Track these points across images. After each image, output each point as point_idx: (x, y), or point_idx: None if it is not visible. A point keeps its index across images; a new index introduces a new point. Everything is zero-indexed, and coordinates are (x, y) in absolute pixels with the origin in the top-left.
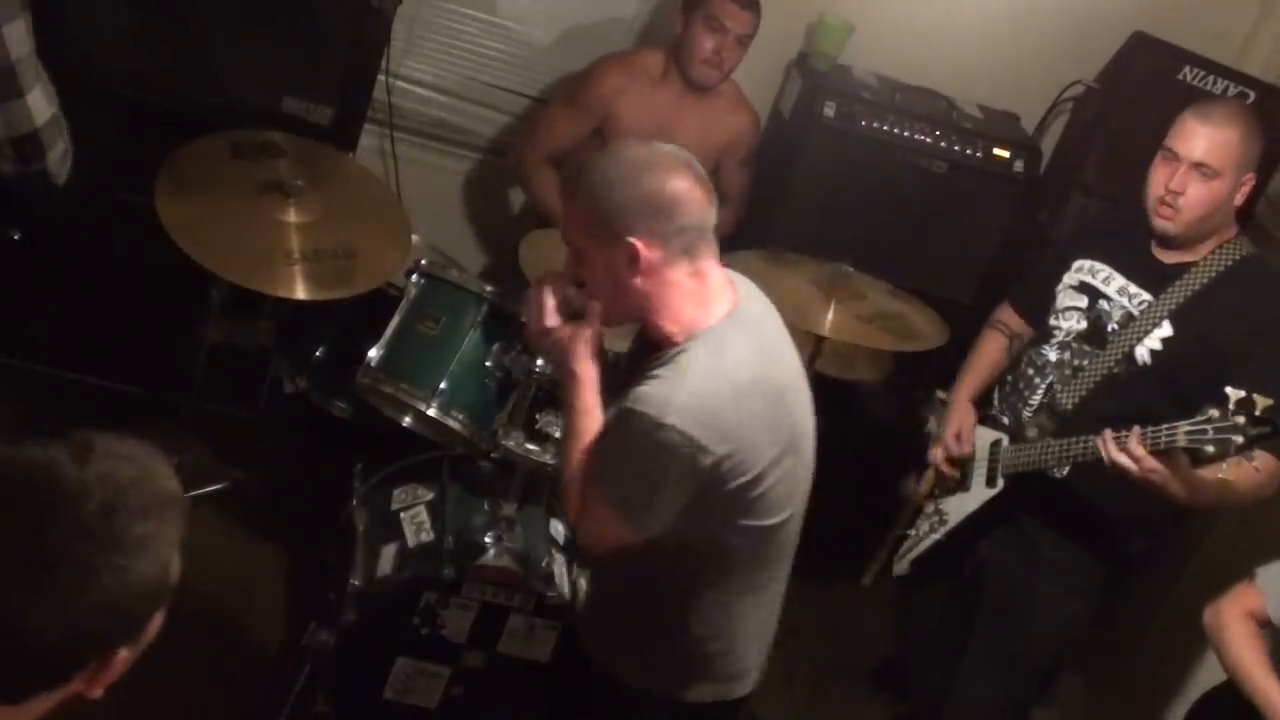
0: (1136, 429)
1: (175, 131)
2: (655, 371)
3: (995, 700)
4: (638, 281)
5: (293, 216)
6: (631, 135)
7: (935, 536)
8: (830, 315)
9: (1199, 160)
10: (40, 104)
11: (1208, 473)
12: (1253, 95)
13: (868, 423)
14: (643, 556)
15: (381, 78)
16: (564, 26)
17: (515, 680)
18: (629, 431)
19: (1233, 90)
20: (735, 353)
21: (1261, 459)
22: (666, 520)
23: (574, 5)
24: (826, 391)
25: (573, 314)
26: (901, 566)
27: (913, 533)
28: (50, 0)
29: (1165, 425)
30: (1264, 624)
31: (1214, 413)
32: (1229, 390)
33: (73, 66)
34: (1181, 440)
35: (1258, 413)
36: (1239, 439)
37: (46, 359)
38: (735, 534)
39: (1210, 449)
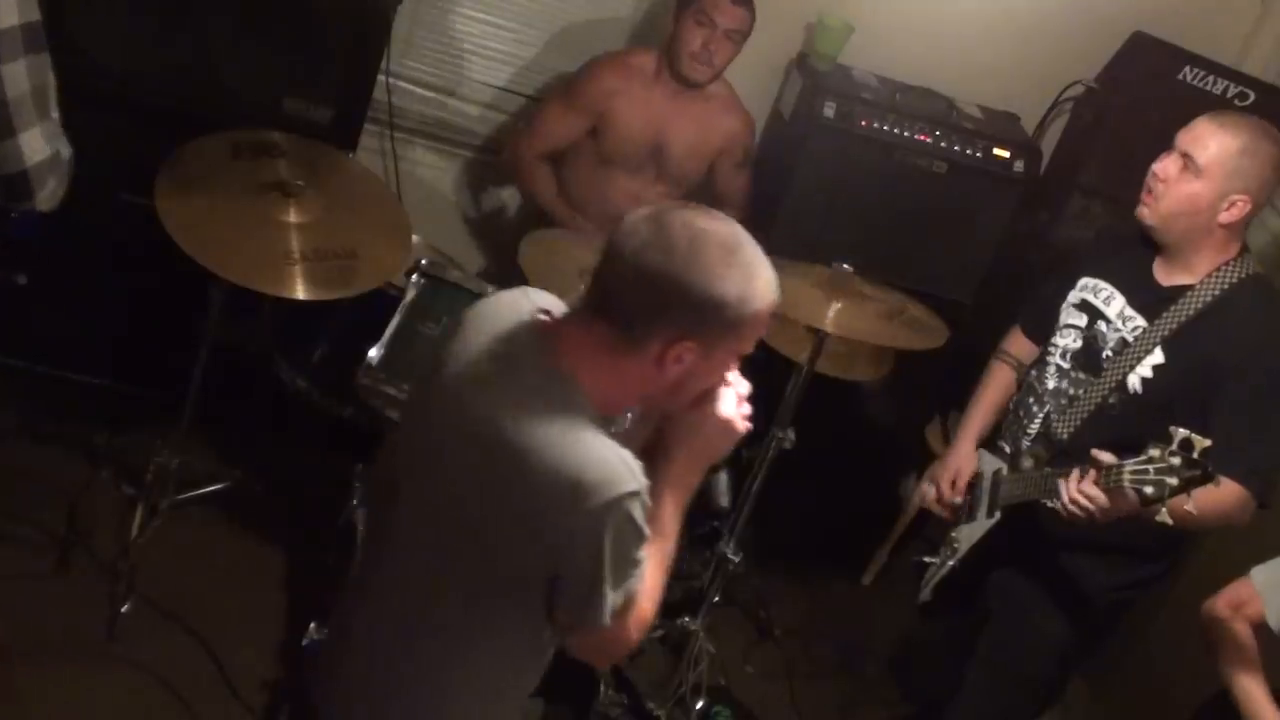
0: (1092, 471)
1: (175, 131)
2: None
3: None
4: None
5: (293, 216)
6: (625, 135)
7: (951, 563)
8: (832, 313)
9: (1185, 150)
10: (35, 143)
11: (1152, 512)
12: (1253, 95)
13: (868, 423)
14: None
15: (381, 78)
16: (563, 26)
17: None
18: None
19: (1233, 90)
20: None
21: (1225, 487)
22: None
23: (573, 5)
24: (827, 391)
25: None
26: (925, 594)
27: (934, 561)
28: (50, 1)
29: (1115, 464)
30: (1260, 625)
31: (1154, 453)
32: (1172, 429)
33: (73, 66)
34: (1126, 480)
35: (1195, 454)
36: (1174, 481)
37: (46, 359)
38: None
39: (1149, 490)
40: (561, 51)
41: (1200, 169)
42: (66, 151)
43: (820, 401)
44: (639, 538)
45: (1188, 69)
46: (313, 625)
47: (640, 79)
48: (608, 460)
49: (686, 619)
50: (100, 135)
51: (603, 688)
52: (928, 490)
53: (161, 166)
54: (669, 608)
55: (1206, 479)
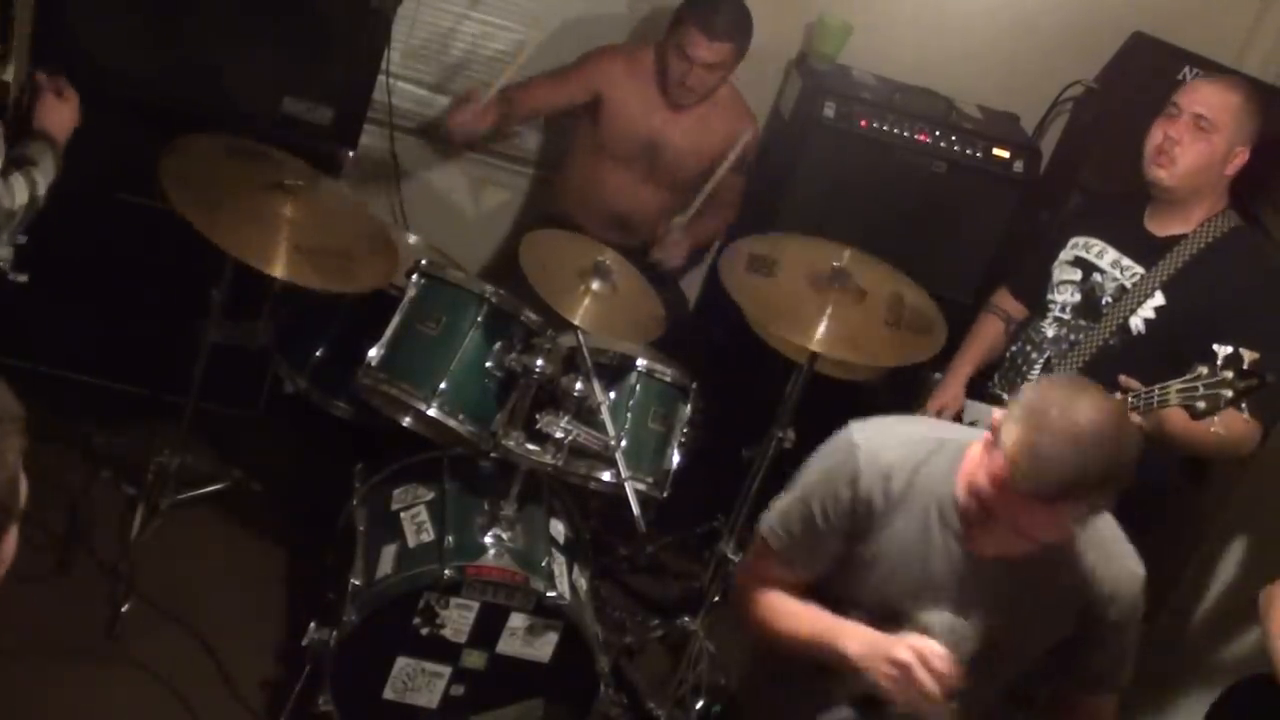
0: (1126, 396)
1: (175, 131)
2: None
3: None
4: None
5: (290, 211)
6: (620, 125)
7: None
8: (824, 323)
9: (1199, 112)
10: None
11: (1202, 427)
12: None
13: None
14: None
15: (381, 78)
16: (564, 26)
17: (515, 680)
18: None
19: None
20: None
21: (1235, 417)
22: None
23: (572, 4)
24: (827, 391)
25: None
26: None
27: None
28: (51, 1)
29: (1158, 385)
30: None
31: (1203, 370)
32: (1216, 347)
33: (73, 66)
34: (1174, 399)
35: (1245, 366)
36: (1228, 393)
37: (47, 359)
38: None
39: (1202, 405)
40: (562, 51)
41: (1213, 124)
42: (9, 202)
43: (820, 401)
44: None
45: (1188, 69)
46: (312, 625)
47: (642, 74)
48: None
49: (686, 619)
50: (100, 135)
51: (603, 688)
52: None
53: (162, 157)
54: (669, 608)
55: (1264, 385)
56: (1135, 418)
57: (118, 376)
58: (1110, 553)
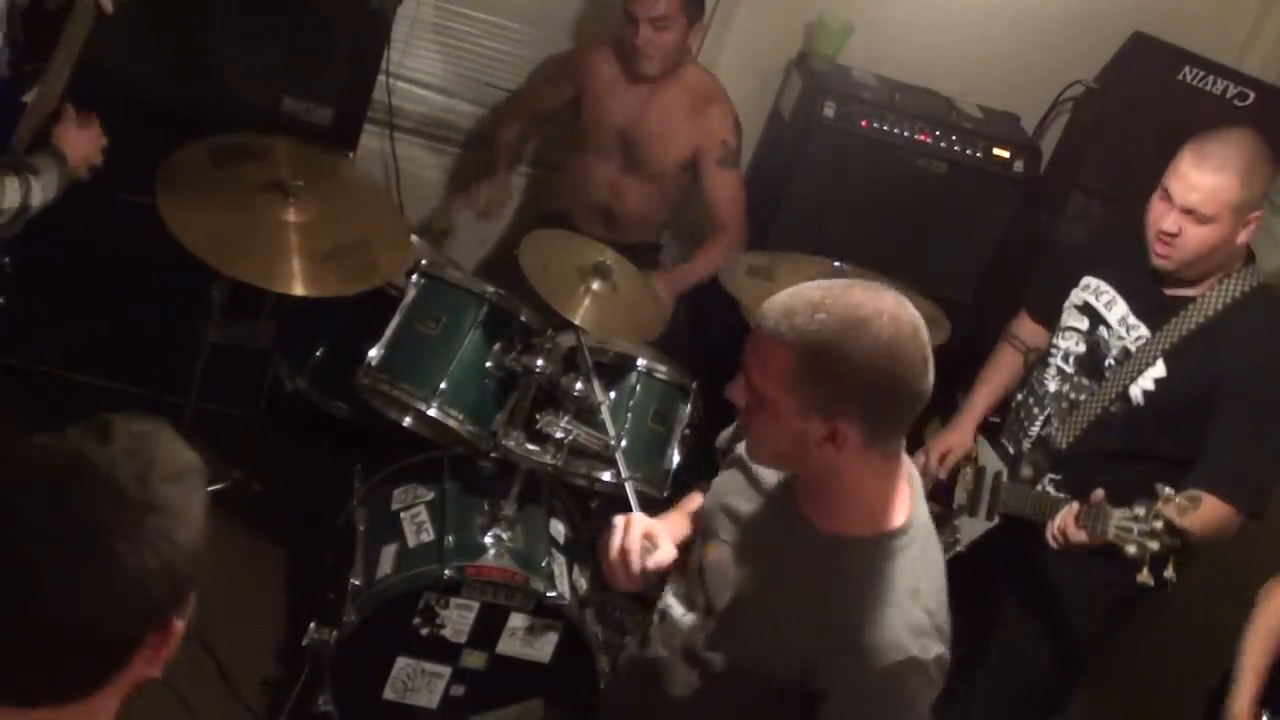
0: (1075, 506)
1: (175, 131)
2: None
3: None
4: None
5: (293, 216)
6: (597, 116)
7: (957, 549)
8: None
9: (1192, 207)
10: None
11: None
12: (1252, 95)
13: None
14: None
15: (381, 78)
16: (564, 26)
17: (515, 680)
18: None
19: (1232, 90)
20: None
21: (1214, 505)
22: None
23: (574, 4)
24: None
25: None
26: None
27: None
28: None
29: (1104, 512)
30: None
31: (1140, 512)
32: (1158, 487)
33: (74, 66)
34: (1110, 533)
35: (1178, 524)
36: (1155, 545)
37: (47, 359)
38: None
39: (1131, 549)
40: (561, 49)
41: (1209, 217)
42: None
43: None
44: None
45: (1188, 69)
46: (312, 625)
47: (612, 64)
48: None
49: None
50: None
51: (603, 687)
52: (918, 458)
53: (158, 187)
54: None
55: (1183, 551)
56: (1082, 535)
57: (118, 376)
58: (861, 618)
